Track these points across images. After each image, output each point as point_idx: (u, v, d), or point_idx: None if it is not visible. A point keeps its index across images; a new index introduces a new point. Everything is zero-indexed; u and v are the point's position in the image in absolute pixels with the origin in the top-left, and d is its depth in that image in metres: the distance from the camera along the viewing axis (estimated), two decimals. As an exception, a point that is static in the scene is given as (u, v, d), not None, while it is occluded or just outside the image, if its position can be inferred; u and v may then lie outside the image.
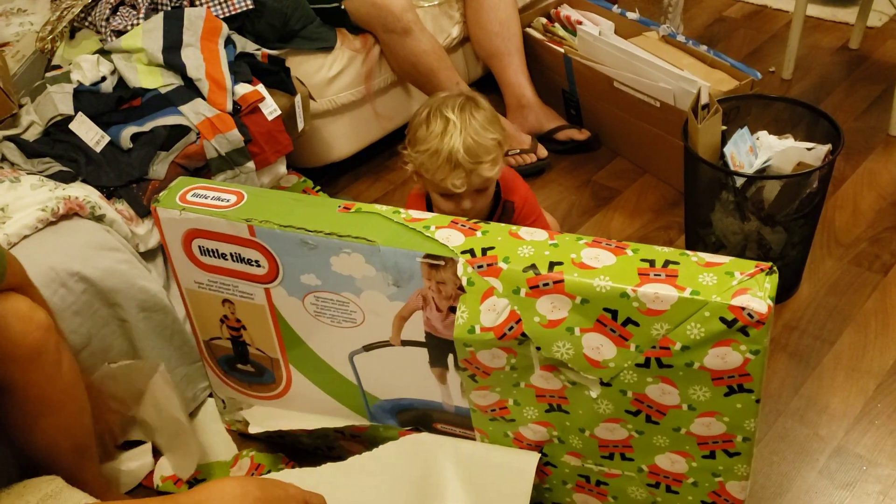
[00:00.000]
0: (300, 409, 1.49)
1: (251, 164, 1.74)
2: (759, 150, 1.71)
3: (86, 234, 1.48)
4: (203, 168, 1.71)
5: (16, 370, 1.19)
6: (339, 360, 1.37)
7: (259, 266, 1.31)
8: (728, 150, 1.69)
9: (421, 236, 1.20)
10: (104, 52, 1.79)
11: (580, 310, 1.12)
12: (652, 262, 1.11)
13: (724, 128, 1.72)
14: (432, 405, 1.35)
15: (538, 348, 1.17)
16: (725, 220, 1.69)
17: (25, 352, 1.18)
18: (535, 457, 1.28)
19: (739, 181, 1.63)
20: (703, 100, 1.68)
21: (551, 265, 1.12)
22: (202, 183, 1.36)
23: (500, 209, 1.61)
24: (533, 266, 1.13)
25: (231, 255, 1.32)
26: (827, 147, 1.66)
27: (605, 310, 1.11)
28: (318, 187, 2.11)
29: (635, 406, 1.19)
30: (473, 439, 1.36)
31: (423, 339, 1.27)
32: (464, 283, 1.17)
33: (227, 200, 1.31)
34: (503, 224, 1.22)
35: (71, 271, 1.43)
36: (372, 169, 2.29)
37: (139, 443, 1.58)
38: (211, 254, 1.34)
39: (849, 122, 2.28)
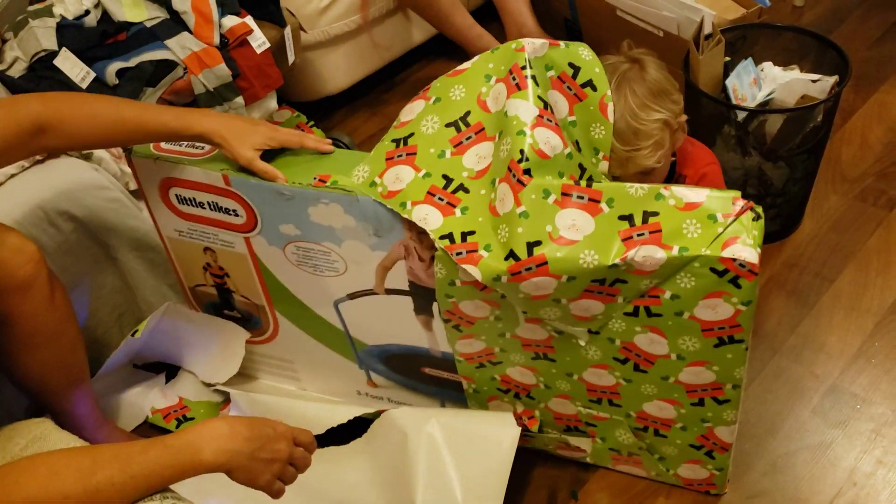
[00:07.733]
0: (290, 357, 1.49)
1: (240, 100, 1.70)
2: (763, 82, 1.66)
3: (74, 172, 1.46)
4: (191, 104, 1.68)
5: (8, 302, 1.20)
6: (324, 308, 1.36)
7: (237, 215, 1.28)
8: (730, 82, 1.63)
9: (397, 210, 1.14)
10: (88, -16, 1.74)
11: (567, 286, 1.07)
12: (631, 219, 1.05)
13: (728, 59, 1.66)
14: (419, 351, 1.34)
15: (524, 312, 1.15)
16: (726, 156, 1.64)
17: (18, 284, 1.19)
18: (516, 430, 1.26)
19: (741, 115, 1.58)
20: (707, 29, 1.61)
21: (529, 247, 1.05)
22: None
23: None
24: (511, 253, 1.05)
25: (209, 203, 1.29)
26: (833, 79, 1.60)
27: (593, 280, 1.07)
28: (312, 122, 2.07)
29: (623, 354, 1.17)
30: (460, 384, 1.36)
31: (407, 288, 1.25)
32: (436, 269, 1.13)
33: (202, 148, 1.28)
34: (485, 190, 1.11)
35: (59, 210, 1.42)
36: (369, 102, 2.24)
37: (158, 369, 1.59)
38: (189, 202, 1.31)
39: (861, 52, 2.20)
